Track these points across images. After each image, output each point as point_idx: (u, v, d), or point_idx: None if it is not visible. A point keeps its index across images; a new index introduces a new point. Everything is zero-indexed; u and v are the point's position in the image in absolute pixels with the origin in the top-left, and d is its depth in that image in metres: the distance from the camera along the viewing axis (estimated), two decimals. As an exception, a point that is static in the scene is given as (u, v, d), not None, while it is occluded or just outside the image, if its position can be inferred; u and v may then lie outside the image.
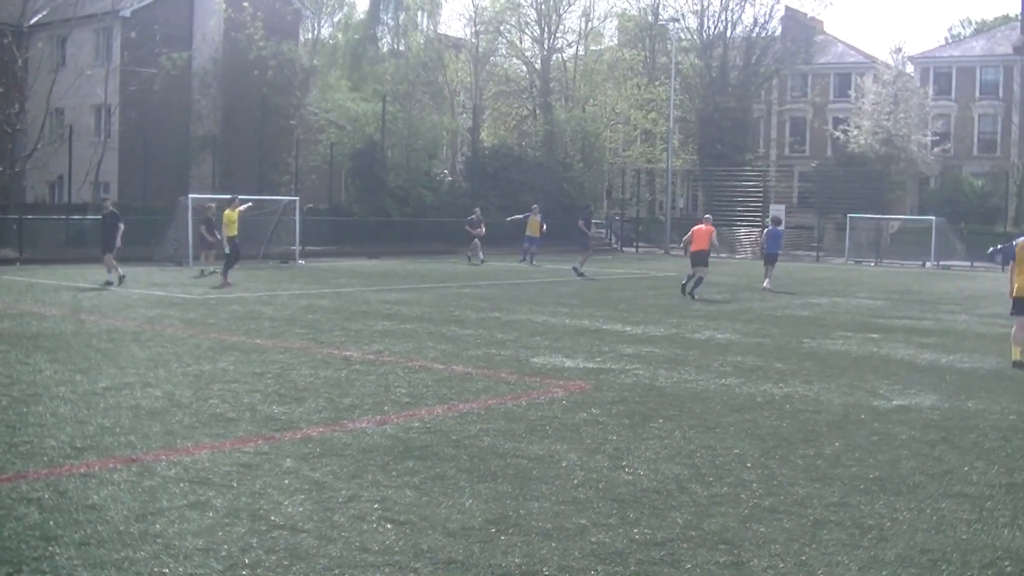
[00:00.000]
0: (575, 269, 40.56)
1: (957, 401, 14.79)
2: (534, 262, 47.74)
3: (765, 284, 35.95)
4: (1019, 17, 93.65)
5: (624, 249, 70.23)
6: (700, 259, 32.37)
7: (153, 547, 7.62)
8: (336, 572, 7.25)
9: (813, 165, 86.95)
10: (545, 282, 36.98)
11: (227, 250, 32.54)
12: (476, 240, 48.78)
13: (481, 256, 48.44)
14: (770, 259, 37.25)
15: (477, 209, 50.69)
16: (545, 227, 48.65)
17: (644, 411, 13.27)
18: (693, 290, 31.70)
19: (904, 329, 24.68)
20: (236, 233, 32.72)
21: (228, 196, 35.06)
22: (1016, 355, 18.77)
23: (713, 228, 33.48)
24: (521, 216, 50.08)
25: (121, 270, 31.27)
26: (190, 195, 41.90)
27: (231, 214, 32.74)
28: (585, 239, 42.54)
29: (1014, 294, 19.22)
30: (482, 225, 49.68)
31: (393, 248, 53.45)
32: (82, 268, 32.54)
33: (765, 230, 39.63)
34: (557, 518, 8.64)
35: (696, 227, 33.55)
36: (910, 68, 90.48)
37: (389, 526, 8.30)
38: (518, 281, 36.84)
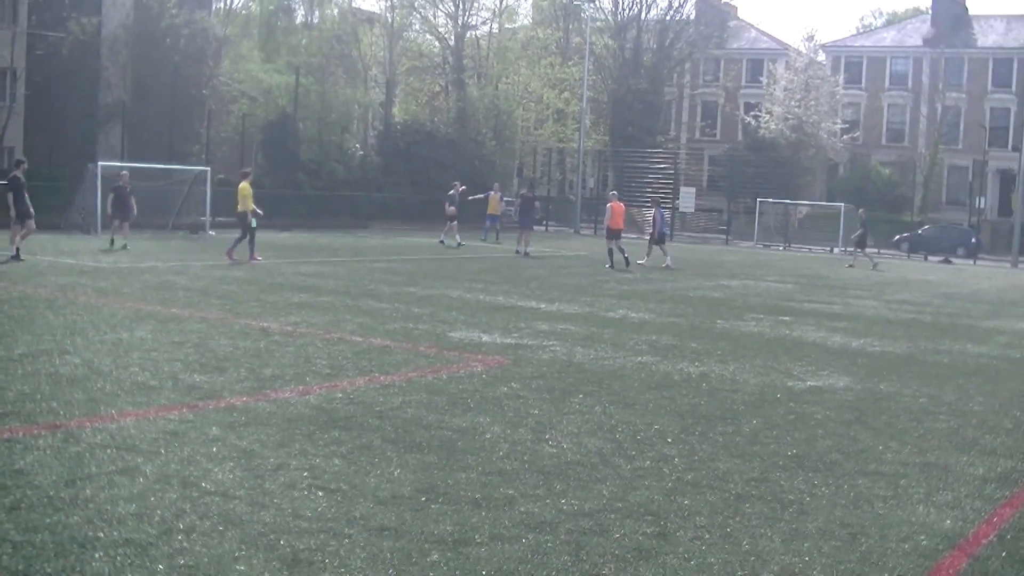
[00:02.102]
0: (525, 253, 40.63)
1: (869, 383, 15.08)
2: (499, 239, 48.06)
3: (668, 262, 37.02)
4: (929, 10, 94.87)
5: (534, 228, 70.20)
6: (615, 234, 36.52)
7: (85, 512, 7.61)
8: (272, 537, 7.30)
9: (723, 149, 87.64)
10: (460, 258, 37.07)
11: (253, 224, 31.52)
12: (454, 221, 45.13)
13: (457, 239, 44.20)
14: (660, 239, 38.94)
15: (456, 183, 47.49)
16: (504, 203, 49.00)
17: (564, 386, 13.41)
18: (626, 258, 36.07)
19: (814, 313, 25.05)
20: (253, 206, 31.76)
21: (246, 169, 34.43)
22: None
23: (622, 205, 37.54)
24: (482, 195, 49.85)
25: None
26: (99, 163, 41.40)
27: (246, 187, 31.83)
28: (528, 219, 42.52)
29: None
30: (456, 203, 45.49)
31: (304, 221, 53.05)
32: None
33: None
34: (485, 488, 8.75)
35: (611, 204, 37.17)
36: (822, 56, 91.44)
37: (320, 494, 8.35)
38: (432, 256, 36.88)
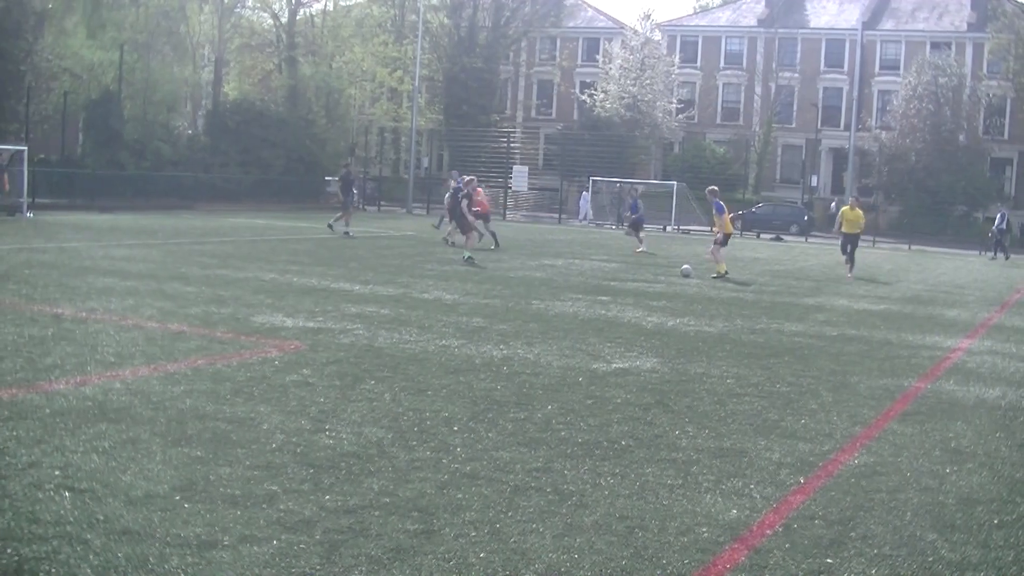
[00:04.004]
0: (330, 226, 40.42)
1: (677, 364, 14.86)
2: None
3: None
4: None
5: (366, 208, 69.63)
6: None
7: None
8: (-1, 544, 6.73)
9: (559, 128, 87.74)
10: (281, 239, 36.33)
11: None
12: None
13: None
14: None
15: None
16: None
17: (357, 372, 12.91)
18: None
19: (635, 292, 24.88)
20: None
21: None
22: None
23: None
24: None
25: None
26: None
27: None
28: (345, 199, 42.24)
29: None
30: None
31: (128, 202, 51.68)
32: None
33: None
34: (247, 484, 8.26)
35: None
36: (658, 36, 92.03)
37: (67, 494, 7.79)
38: (253, 238, 36.09)
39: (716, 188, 33.39)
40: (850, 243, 34.80)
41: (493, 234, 37.19)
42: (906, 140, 74.49)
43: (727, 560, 7.30)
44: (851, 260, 34.48)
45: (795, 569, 7.21)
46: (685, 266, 30.78)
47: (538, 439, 10.15)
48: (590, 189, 68.78)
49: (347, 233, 39.60)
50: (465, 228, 31.13)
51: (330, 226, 40.23)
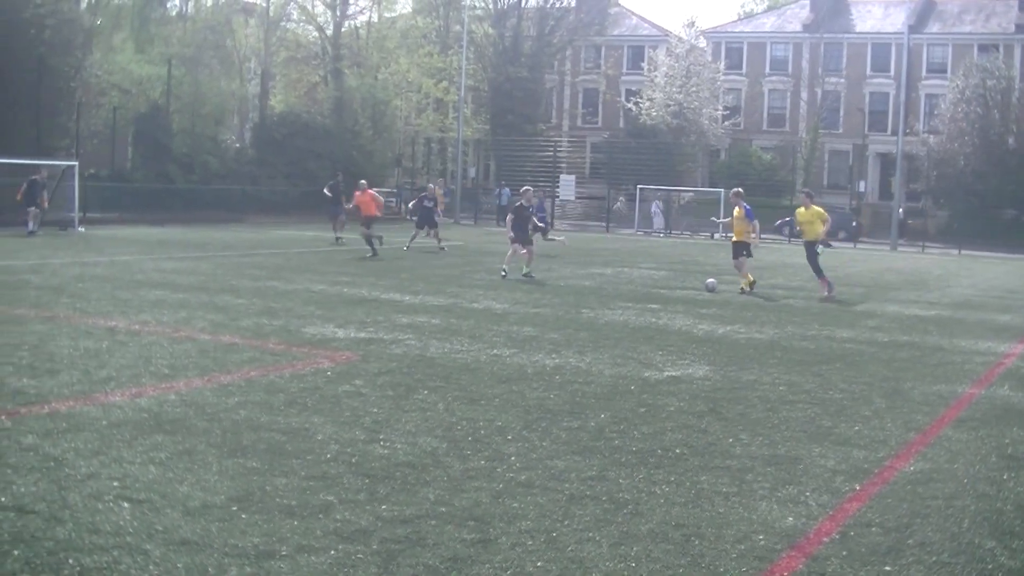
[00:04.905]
0: (338, 239, 41.31)
1: (729, 372, 14.82)
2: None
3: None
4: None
5: (412, 218, 69.59)
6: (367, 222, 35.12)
7: None
8: (61, 556, 6.80)
9: (605, 136, 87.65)
10: (329, 251, 36.41)
11: None
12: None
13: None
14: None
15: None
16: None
17: (409, 382, 12.95)
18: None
19: (684, 300, 24.84)
20: None
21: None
22: None
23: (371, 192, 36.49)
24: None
25: None
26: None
27: None
28: (333, 208, 42.76)
29: None
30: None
31: (177, 215, 51.88)
32: None
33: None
34: (303, 494, 8.31)
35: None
36: (703, 42, 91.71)
37: (126, 505, 7.86)
38: (302, 250, 36.21)
39: (741, 190, 29.33)
40: (808, 251, 28.32)
41: (373, 242, 34.66)
42: (954, 144, 73.79)
43: (784, 568, 7.29)
44: (818, 272, 27.90)
45: (853, 576, 7.21)
46: (710, 280, 28.39)
47: (592, 448, 10.16)
48: (660, 197, 68.66)
49: (338, 239, 40.89)
50: (525, 242, 30.32)
51: (338, 239, 41.11)
